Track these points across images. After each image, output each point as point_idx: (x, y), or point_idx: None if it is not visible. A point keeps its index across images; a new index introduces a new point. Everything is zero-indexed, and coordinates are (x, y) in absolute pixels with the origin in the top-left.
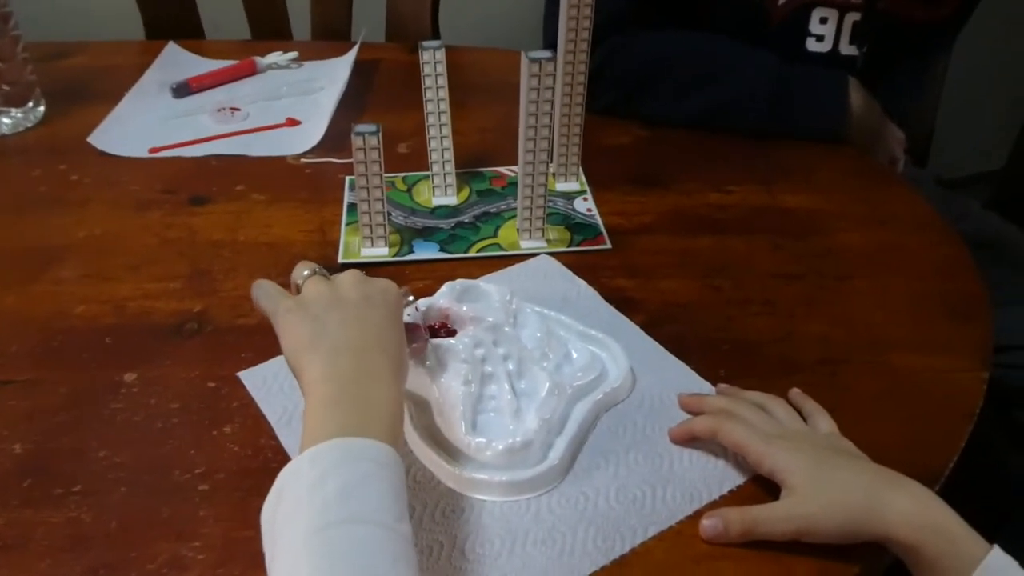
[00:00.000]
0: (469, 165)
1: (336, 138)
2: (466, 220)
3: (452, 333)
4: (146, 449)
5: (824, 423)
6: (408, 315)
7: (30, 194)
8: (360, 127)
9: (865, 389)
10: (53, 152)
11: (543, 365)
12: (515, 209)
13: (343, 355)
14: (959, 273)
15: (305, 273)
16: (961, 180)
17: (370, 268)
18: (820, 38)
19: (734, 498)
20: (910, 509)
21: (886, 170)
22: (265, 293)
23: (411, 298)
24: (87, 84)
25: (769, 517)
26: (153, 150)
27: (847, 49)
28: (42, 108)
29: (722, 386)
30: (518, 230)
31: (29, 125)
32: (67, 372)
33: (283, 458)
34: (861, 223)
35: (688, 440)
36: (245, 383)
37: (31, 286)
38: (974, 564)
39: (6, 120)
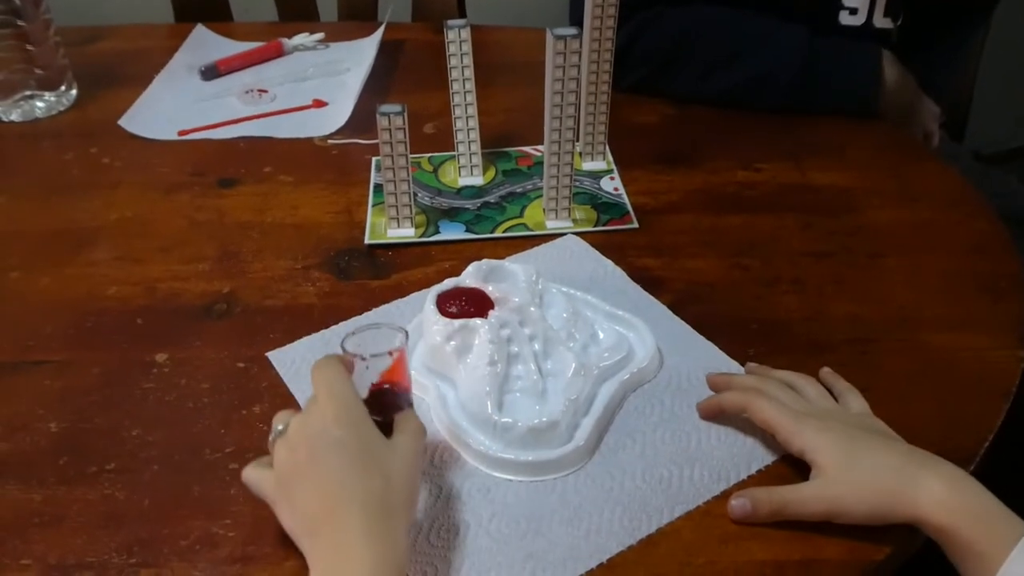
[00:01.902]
0: (495, 145)
1: (362, 119)
2: (492, 200)
3: (483, 313)
4: (177, 428)
5: (856, 403)
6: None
7: (63, 177)
8: (385, 108)
9: (897, 368)
10: (85, 135)
11: (569, 345)
12: (541, 189)
13: (320, 534)
14: (995, 250)
15: (270, 439)
16: (1000, 155)
17: (396, 249)
18: (853, 11)
19: (762, 478)
20: (943, 491)
21: (920, 145)
22: (252, 483)
23: (346, 348)
24: (117, 67)
25: (798, 498)
26: (182, 132)
27: (881, 22)
28: (74, 92)
29: (751, 365)
30: (544, 210)
31: (62, 109)
32: (100, 352)
33: None
34: (893, 199)
35: (716, 414)
36: (274, 363)
37: (64, 268)
38: (1011, 545)
39: (39, 104)
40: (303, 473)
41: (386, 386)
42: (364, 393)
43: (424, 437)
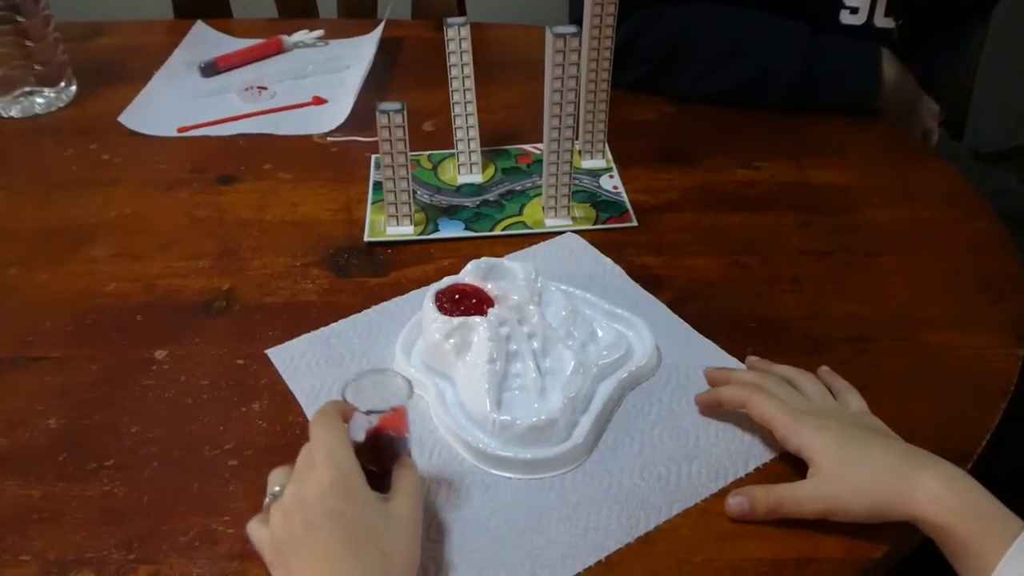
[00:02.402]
0: (494, 143)
1: (362, 116)
2: (491, 198)
3: (482, 311)
4: (177, 425)
5: (854, 401)
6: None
7: (62, 173)
8: (384, 105)
9: (896, 367)
10: (84, 132)
11: (568, 344)
12: (540, 187)
13: None
14: (994, 249)
15: (266, 501)
16: (999, 154)
17: (395, 246)
18: (854, 10)
19: (761, 476)
20: (940, 489)
21: (920, 144)
22: (254, 540)
23: (346, 397)
24: (117, 63)
25: (795, 496)
26: (182, 129)
27: (882, 21)
28: (74, 88)
29: (752, 358)
30: (543, 208)
31: (61, 105)
32: (99, 349)
33: None
34: (893, 198)
35: (715, 407)
36: (273, 360)
37: (63, 264)
38: (1007, 543)
39: (39, 100)
40: (299, 543)
41: (385, 432)
42: (361, 436)
43: (423, 492)
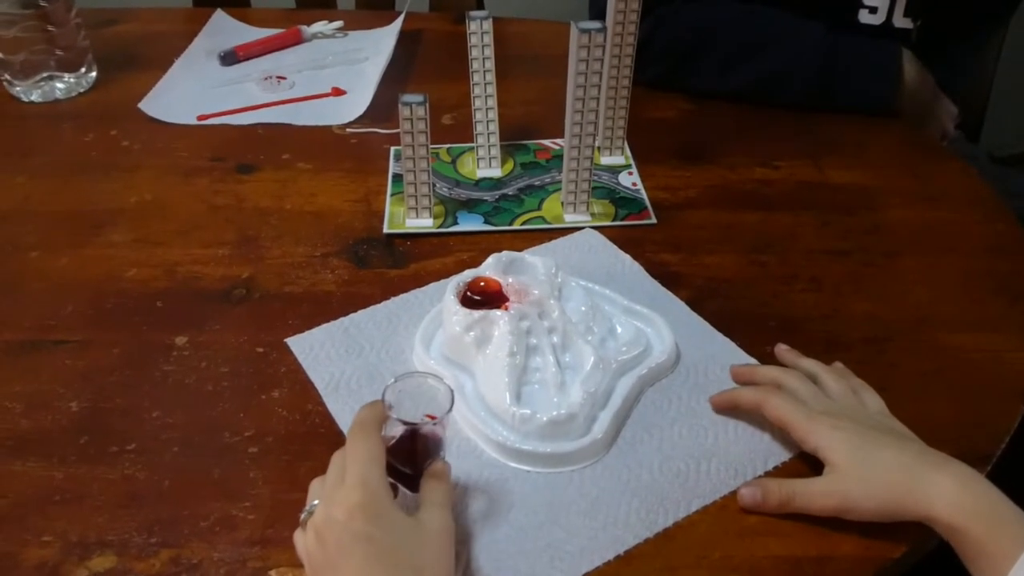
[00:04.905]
0: (513, 137)
1: (381, 108)
2: (510, 193)
3: (502, 305)
4: (197, 411)
5: (871, 399)
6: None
7: (83, 159)
8: (407, 97)
9: (913, 368)
10: (105, 118)
11: (588, 339)
12: (559, 182)
13: None
14: (1012, 251)
15: (302, 517)
16: (1015, 157)
17: (414, 238)
18: (873, 10)
19: (779, 474)
20: (955, 491)
21: (938, 145)
22: (298, 550)
23: (388, 402)
24: (137, 50)
25: (808, 491)
26: (201, 117)
27: (901, 21)
28: (94, 74)
29: (782, 347)
30: (563, 203)
31: (82, 90)
32: (120, 334)
33: (330, 424)
34: (911, 199)
35: (730, 408)
36: (293, 349)
37: (84, 249)
38: (1022, 546)
39: (60, 85)
40: (332, 566)
41: (421, 433)
42: (397, 434)
43: (452, 497)
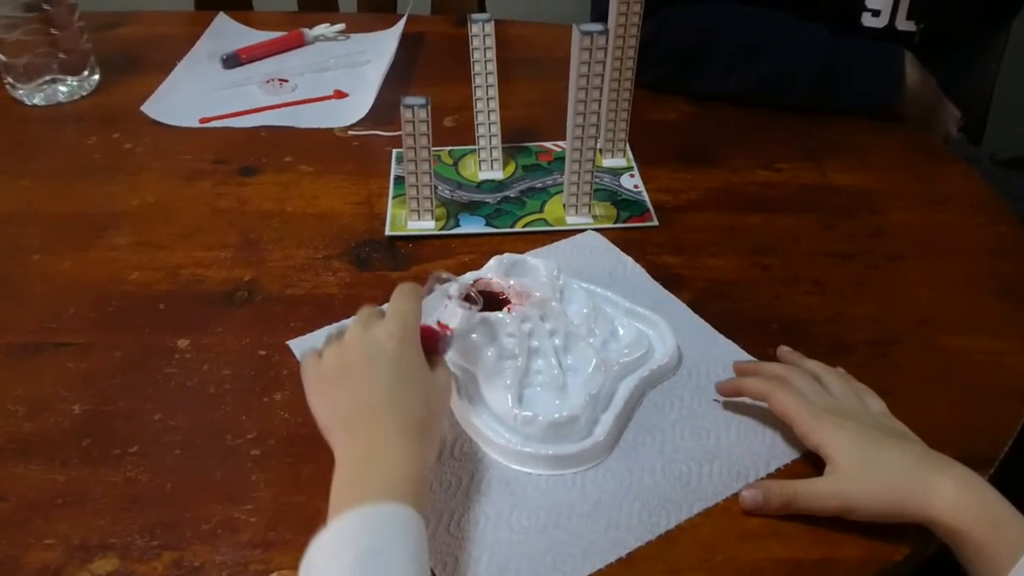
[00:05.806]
0: (515, 140)
1: (383, 111)
2: (512, 195)
3: (504, 307)
4: (199, 413)
5: (873, 403)
6: (448, 296)
7: (85, 162)
8: (409, 99)
9: (916, 371)
10: (107, 120)
11: (590, 341)
12: (561, 184)
13: (356, 430)
14: (1015, 253)
15: (328, 333)
16: (1017, 160)
17: (416, 241)
18: (876, 13)
19: (781, 476)
20: (956, 493)
21: (941, 147)
22: (303, 365)
23: (443, 276)
24: (139, 53)
25: (810, 492)
26: (203, 120)
27: (904, 24)
28: (97, 76)
29: (784, 349)
30: (564, 206)
31: (84, 93)
32: (122, 336)
33: None
34: (914, 202)
35: (735, 395)
36: (295, 352)
37: (86, 252)
38: (1021, 550)
39: (62, 88)
40: (353, 372)
41: (437, 328)
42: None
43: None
